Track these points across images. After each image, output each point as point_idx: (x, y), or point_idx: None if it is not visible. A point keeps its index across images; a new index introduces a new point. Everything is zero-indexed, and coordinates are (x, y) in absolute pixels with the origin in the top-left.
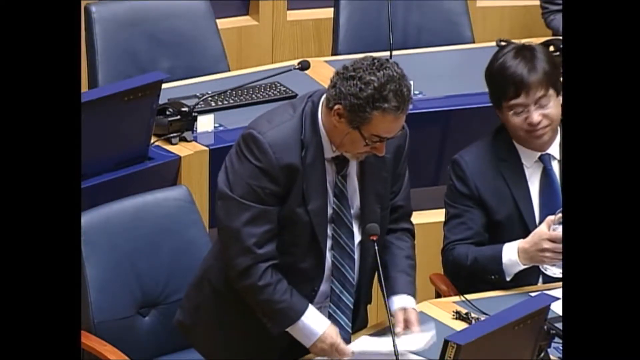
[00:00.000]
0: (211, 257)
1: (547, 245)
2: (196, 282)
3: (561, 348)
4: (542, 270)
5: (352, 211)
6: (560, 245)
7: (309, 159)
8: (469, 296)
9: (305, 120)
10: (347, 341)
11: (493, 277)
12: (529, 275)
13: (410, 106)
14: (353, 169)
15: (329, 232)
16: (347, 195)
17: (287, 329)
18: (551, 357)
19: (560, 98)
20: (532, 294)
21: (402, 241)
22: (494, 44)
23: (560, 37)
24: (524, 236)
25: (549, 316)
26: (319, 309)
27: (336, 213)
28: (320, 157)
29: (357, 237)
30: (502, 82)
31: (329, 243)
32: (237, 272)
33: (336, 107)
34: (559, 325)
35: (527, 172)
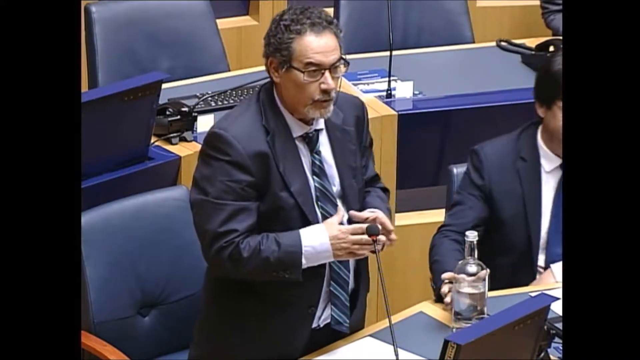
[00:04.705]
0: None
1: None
2: (201, 320)
3: (561, 348)
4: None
5: (334, 188)
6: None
7: (278, 142)
8: None
9: (264, 106)
10: (346, 327)
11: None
12: (525, 276)
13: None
14: (325, 146)
15: (318, 211)
16: (325, 171)
17: (305, 265)
18: (551, 357)
19: None
20: (532, 294)
21: (375, 189)
22: (494, 44)
23: (560, 37)
24: (525, 239)
25: (549, 316)
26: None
27: (319, 191)
28: (289, 137)
29: (345, 214)
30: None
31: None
32: (225, 265)
33: (269, 61)
34: (559, 325)
35: (544, 176)
